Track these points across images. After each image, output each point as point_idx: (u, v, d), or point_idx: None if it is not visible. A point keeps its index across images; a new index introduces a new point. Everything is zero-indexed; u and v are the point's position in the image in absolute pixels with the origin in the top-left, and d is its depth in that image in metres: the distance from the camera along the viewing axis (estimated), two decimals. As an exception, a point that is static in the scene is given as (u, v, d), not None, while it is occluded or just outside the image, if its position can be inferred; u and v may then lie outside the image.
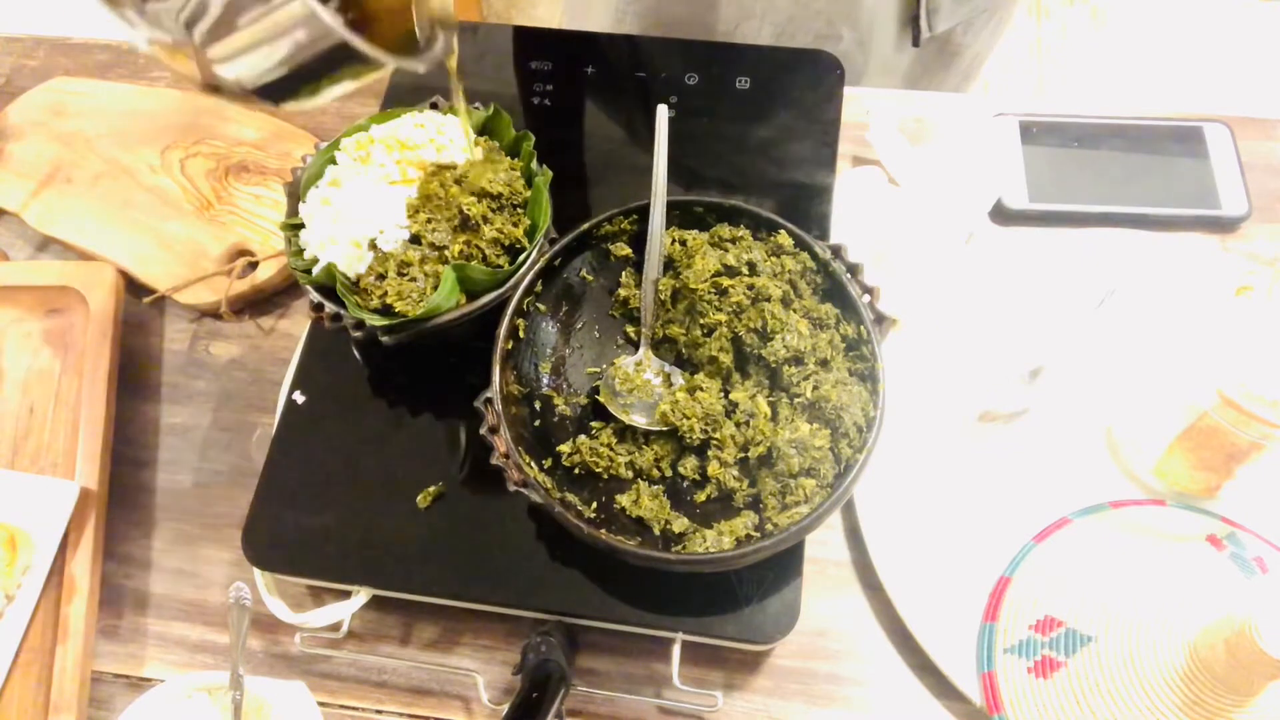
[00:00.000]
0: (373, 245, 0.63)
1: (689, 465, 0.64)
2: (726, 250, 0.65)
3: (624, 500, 0.62)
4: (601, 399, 0.65)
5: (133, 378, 0.77)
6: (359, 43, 0.44)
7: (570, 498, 0.61)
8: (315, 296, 0.64)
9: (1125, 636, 0.59)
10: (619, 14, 0.96)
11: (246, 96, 0.48)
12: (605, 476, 0.64)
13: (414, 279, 0.63)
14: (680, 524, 0.61)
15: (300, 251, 0.66)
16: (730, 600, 0.60)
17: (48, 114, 0.87)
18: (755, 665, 0.65)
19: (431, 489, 0.65)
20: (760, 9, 0.90)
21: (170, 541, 0.71)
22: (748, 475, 0.63)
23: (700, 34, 0.91)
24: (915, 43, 0.94)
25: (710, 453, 0.63)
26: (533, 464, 0.60)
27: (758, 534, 0.60)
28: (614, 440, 0.64)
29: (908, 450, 0.68)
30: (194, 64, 0.46)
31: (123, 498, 0.72)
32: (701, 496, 0.63)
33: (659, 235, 0.66)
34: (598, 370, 0.68)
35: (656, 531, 0.61)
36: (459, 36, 0.56)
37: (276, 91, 0.48)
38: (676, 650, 0.61)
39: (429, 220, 0.63)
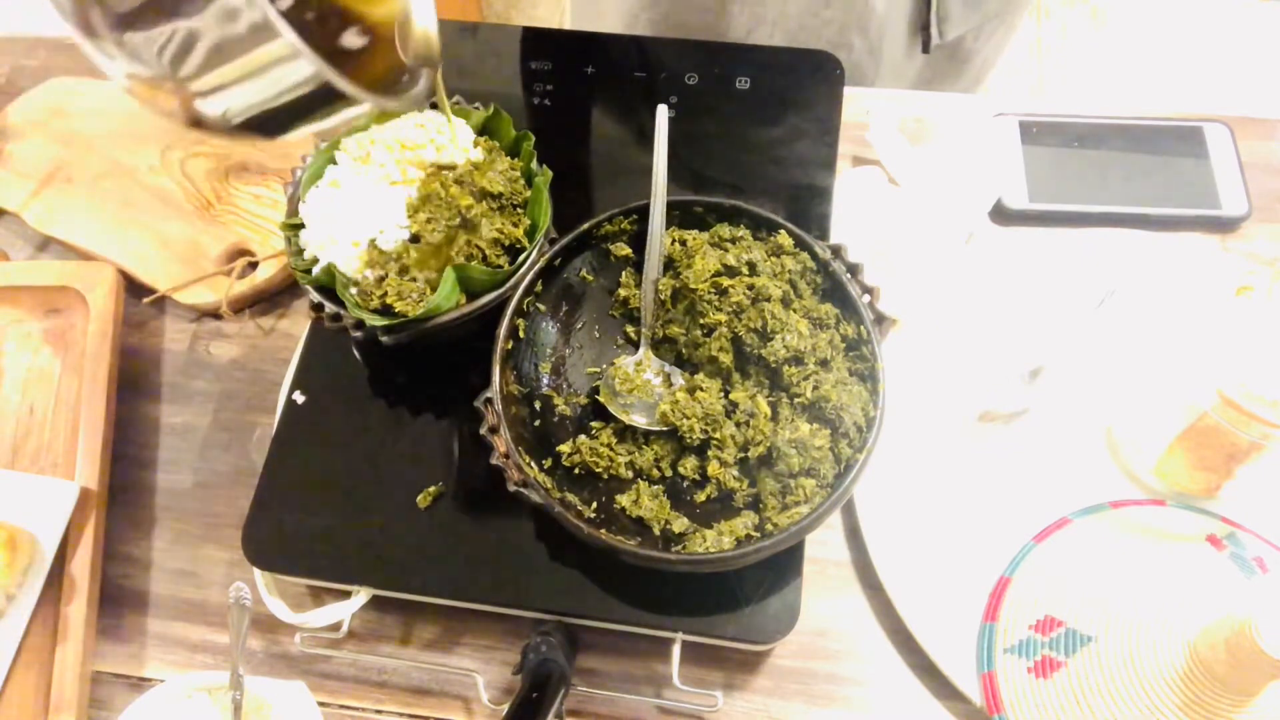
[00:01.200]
0: (373, 245, 0.63)
1: (689, 465, 0.64)
2: (726, 250, 0.65)
3: (624, 500, 0.62)
4: (601, 399, 0.65)
5: (133, 378, 0.77)
6: (341, 82, 0.43)
7: (570, 498, 0.61)
8: (315, 296, 0.64)
9: (1125, 636, 0.59)
10: (631, 19, 0.96)
11: (231, 132, 0.47)
12: (605, 476, 0.64)
13: (414, 279, 0.63)
14: (680, 524, 0.61)
15: (300, 251, 0.66)
16: (730, 600, 0.60)
17: (48, 114, 0.87)
18: (755, 665, 0.65)
19: (431, 489, 0.65)
20: (772, 16, 0.90)
21: (170, 541, 0.71)
22: (748, 475, 0.63)
23: (711, 40, 0.91)
24: (925, 49, 0.94)
25: (710, 453, 0.63)
26: (533, 464, 0.60)
27: (758, 534, 0.60)
28: (614, 440, 0.64)
29: (908, 450, 0.68)
30: (175, 99, 0.45)
31: (123, 498, 0.72)
32: (701, 496, 0.63)
33: (659, 235, 0.66)
34: (598, 370, 0.68)
35: (656, 531, 0.61)
36: (473, 36, 0.55)
37: (260, 127, 0.47)
38: (676, 650, 0.61)
39: (429, 220, 0.63)
